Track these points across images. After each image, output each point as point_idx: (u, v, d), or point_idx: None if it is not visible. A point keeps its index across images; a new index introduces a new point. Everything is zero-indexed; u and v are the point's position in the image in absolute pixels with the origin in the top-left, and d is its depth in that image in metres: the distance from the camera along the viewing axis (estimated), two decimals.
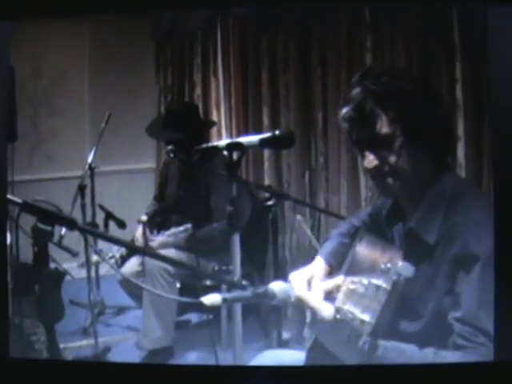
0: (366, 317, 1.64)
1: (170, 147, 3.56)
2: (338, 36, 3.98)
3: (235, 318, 2.50)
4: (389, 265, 1.67)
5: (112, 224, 4.13)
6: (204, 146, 2.80)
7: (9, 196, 1.92)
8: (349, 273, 1.83)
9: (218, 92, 4.80)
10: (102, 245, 3.74)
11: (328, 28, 4.04)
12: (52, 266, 3.45)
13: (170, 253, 3.69)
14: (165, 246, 3.81)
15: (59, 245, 3.61)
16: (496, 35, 2.06)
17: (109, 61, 5.15)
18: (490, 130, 2.96)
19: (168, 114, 4.18)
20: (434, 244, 1.77)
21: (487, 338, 1.67)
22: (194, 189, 3.89)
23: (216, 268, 2.57)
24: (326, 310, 1.73)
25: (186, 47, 4.99)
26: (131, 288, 3.89)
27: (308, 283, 1.93)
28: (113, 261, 3.92)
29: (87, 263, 3.99)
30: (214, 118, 4.77)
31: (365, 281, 1.68)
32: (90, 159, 4.22)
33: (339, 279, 1.82)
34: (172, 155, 3.57)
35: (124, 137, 5.00)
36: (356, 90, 1.82)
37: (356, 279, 1.71)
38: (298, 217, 4.10)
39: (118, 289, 3.95)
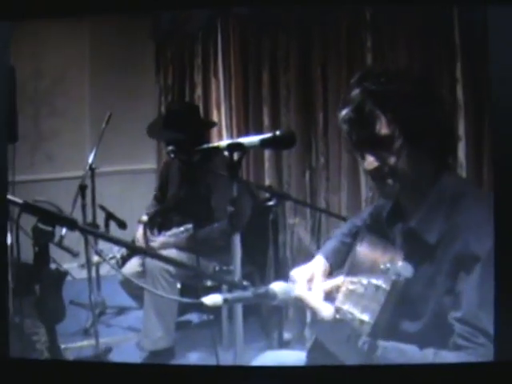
0: (366, 317, 1.65)
1: (170, 147, 3.56)
2: (339, 36, 3.98)
3: (236, 318, 2.50)
4: (388, 265, 1.68)
5: (113, 224, 4.13)
6: (205, 146, 2.80)
7: (10, 196, 1.92)
8: (349, 273, 1.83)
9: (218, 92, 4.81)
10: (102, 245, 3.75)
11: (328, 28, 4.03)
12: (53, 266, 3.45)
13: (171, 253, 3.69)
14: (166, 246, 3.81)
15: (60, 245, 3.61)
16: (496, 35, 2.06)
17: (109, 61, 5.15)
18: (491, 130, 2.96)
19: (168, 115, 4.18)
20: (434, 244, 1.78)
21: (487, 338, 1.67)
22: (194, 189, 3.89)
23: (217, 268, 2.58)
24: (326, 310, 1.74)
25: (186, 47, 4.99)
26: (132, 288, 3.89)
27: (308, 283, 1.93)
28: (113, 261, 3.92)
29: (88, 264, 3.99)
30: (215, 118, 4.77)
31: (364, 281, 1.69)
32: (90, 159, 4.22)
33: (339, 279, 1.82)
34: (172, 155, 3.58)
35: (124, 137, 5.00)
36: (355, 92, 1.82)
37: (355, 279, 1.72)
38: (294, 220, 4.11)
39: (119, 289, 3.96)
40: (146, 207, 4.25)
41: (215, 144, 2.66)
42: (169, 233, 3.92)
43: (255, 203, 3.73)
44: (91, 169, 4.22)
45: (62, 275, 3.56)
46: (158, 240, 3.91)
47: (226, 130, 4.74)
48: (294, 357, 2.17)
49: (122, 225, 4.11)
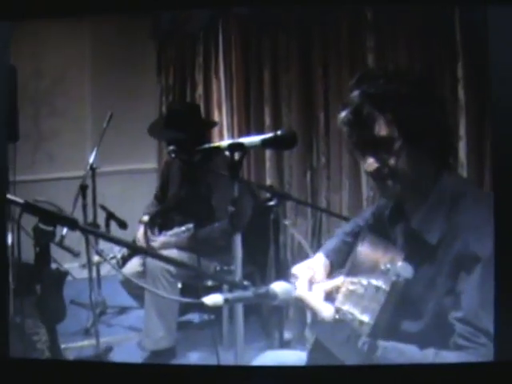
0: (365, 317, 1.65)
1: (171, 147, 3.56)
2: (340, 36, 3.98)
3: (237, 318, 2.50)
4: (388, 265, 1.68)
5: (113, 224, 4.13)
6: (206, 146, 2.80)
7: (10, 196, 1.92)
8: (350, 273, 1.83)
9: (219, 92, 4.80)
10: (102, 245, 3.75)
11: (329, 28, 4.04)
12: (53, 266, 3.46)
13: (172, 253, 3.69)
14: (166, 246, 3.81)
15: (60, 245, 3.61)
16: (496, 35, 2.06)
17: (110, 61, 5.15)
18: (491, 130, 2.96)
19: (169, 114, 4.18)
20: (435, 244, 1.78)
21: (488, 338, 1.67)
22: (195, 189, 3.89)
23: (218, 268, 2.58)
24: (326, 311, 1.74)
25: (187, 47, 4.99)
26: (132, 288, 3.89)
27: (309, 283, 1.93)
28: (114, 261, 3.92)
29: (88, 263, 3.99)
30: (216, 118, 4.77)
31: (364, 281, 1.69)
32: (91, 159, 4.22)
33: (339, 280, 1.82)
34: (173, 155, 3.58)
35: (125, 137, 4.99)
36: (354, 94, 1.82)
37: (355, 280, 1.72)
38: (287, 221, 4.11)
39: (120, 289, 3.95)
40: (146, 206, 4.25)
41: (216, 144, 2.66)
42: (169, 233, 3.91)
43: (256, 203, 3.73)
44: (92, 169, 4.22)
45: (62, 275, 3.56)
46: (158, 240, 3.91)
47: (227, 129, 4.74)
48: (294, 357, 2.18)
49: (122, 225, 4.11)
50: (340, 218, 3.62)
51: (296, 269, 2.03)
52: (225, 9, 4.49)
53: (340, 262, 2.06)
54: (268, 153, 4.42)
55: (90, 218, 4.20)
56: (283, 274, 2.92)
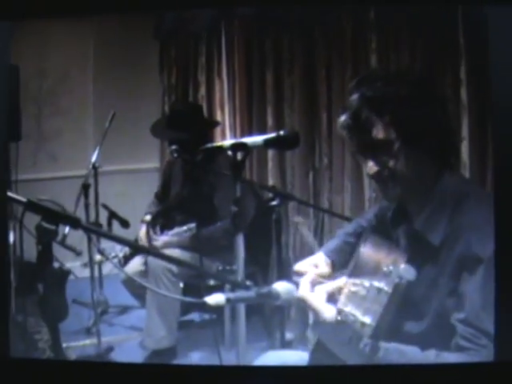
0: (367, 319, 1.65)
1: (173, 147, 3.56)
2: (343, 37, 3.98)
3: (239, 318, 2.51)
4: (391, 267, 1.67)
5: (115, 223, 4.13)
6: (208, 146, 2.80)
7: (13, 195, 1.92)
8: (353, 273, 1.83)
9: (222, 92, 4.80)
10: (104, 245, 3.74)
11: (333, 29, 4.04)
12: (56, 265, 3.46)
13: (174, 252, 3.69)
14: (168, 245, 3.81)
15: (62, 244, 3.61)
16: (496, 35, 2.06)
17: (113, 60, 5.15)
18: (492, 131, 2.96)
19: (172, 114, 4.18)
20: (438, 245, 1.77)
21: (490, 339, 1.67)
22: (197, 188, 3.89)
23: (220, 268, 2.57)
24: (328, 312, 1.74)
25: (190, 47, 4.99)
26: (134, 288, 3.90)
27: (311, 284, 1.93)
28: (116, 260, 3.92)
29: (90, 262, 3.99)
30: (218, 118, 4.77)
31: (366, 283, 1.69)
32: (93, 159, 4.21)
33: (341, 281, 1.82)
34: (176, 155, 3.58)
35: (128, 136, 4.99)
36: (353, 97, 1.82)
37: (358, 281, 1.72)
38: (298, 219, 4.11)
39: (122, 288, 3.95)
40: (147, 205, 4.25)
41: (219, 144, 2.67)
42: (172, 232, 3.91)
43: (258, 203, 3.73)
44: (94, 168, 4.22)
45: (65, 274, 3.56)
46: (160, 239, 3.91)
47: (230, 129, 4.74)
48: (296, 357, 2.17)
49: (124, 224, 4.11)
50: (342, 218, 3.62)
51: (298, 266, 2.03)
52: (228, 9, 4.50)
53: (341, 262, 2.07)
54: (270, 153, 4.42)
55: (93, 217, 4.20)
56: (285, 274, 2.92)
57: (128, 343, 3.96)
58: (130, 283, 3.87)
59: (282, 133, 2.42)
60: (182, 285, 3.74)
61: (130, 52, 5.11)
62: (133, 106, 5.00)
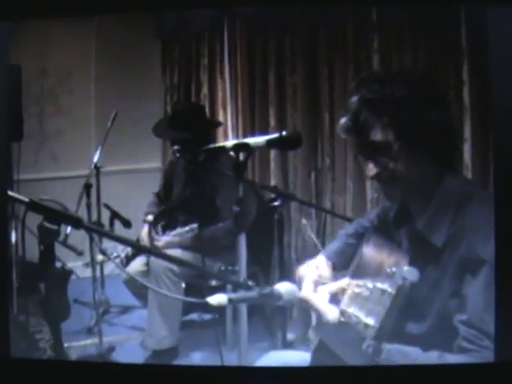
0: (371, 320, 1.65)
1: (176, 147, 3.57)
2: (345, 37, 3.98)
3: (241, 318, 2.51)
4: (394, 269, 1.67)
5: (117, 223, 4.13)
6: (211, 146, 2.80)
7: (15, 194, 1.92)
8: (355, 274, 1.83)
9: (224, 92, 4.80)
10: (106, 245, 3.74)
11: (335, 28, 4.03)
12: (58, 264, 3.46)
13: (176, 253, 3.68)
14: (170, 245, 3.81)
15: (64, 244, 3.61)
16: (496, 35, 2.06)
17: (115, 60, 5.15)
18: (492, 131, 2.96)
19: (174, 114, 4.18)
20: (441, 246, 1.77)
21: (493, 341, 1.67)
22: (199, 188, 3.89)
23: (222, 268, 2.56)
24: (331, 313, 1.74)
25: (192, 47, 4.99)
26: (136, 287, 3.90)
27: (314, 285, 1.93)
28: (118, 260, 3.92)
29: (92, 262, 3.99)
30: (221, 118, 4.76)
31: (370, 284, 1.69)
32: (95, 158, 4.22)
33: (344, 281, 1.82)
34: (178, 155, 3.58)
35: (130, 136, 5.00)
36: (353, 99, 1.83)
37: (361, 282, 1.72)
38: (304, 221, 4.10)
39: (123, 288, 3.95)
40: (147, 205, 4.25)
41: (221, 144, 2.67)
42: (174, 232, 3.91)
43: (260, 203, 3.73)
44: (96, 168, 4.22)
45: (67, 274, 3.57)
46: (162, 239, 3.91)
47: (232, 130, 4.74)
48: (298, 357, 2.17)
49: (126, 224, 4.11)
50: (344, 219, 3.62)
51: (301, 270, 2.02)
52: (230, 9, 4.50)
53: (343, 264, 2.06)
54: (272, 153, 4.41)
55: (94, 217, 4.20)
56: (287, 274, 2.93)
57: (129, 343, 3.96)
58: (131, 283, 3.87)
59: (284, 133, 2.42)
60: (183, 285, 3.74)
61: (132, 52, 5.11)
62: (135, 106, 5.00)
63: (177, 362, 3.62)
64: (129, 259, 3.95)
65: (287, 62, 4.36)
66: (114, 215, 4.13)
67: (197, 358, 3.71)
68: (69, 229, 3.31)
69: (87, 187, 4.09)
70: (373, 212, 2.26)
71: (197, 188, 3.92)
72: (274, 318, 3.53)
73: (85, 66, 5.21)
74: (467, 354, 1.67)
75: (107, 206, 4.17)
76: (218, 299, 1.78)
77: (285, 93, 4.40)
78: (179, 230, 3.87)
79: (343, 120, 1.85)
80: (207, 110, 4.63)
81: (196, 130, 3.84)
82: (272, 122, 4.43)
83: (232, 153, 2.47)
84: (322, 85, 4.17)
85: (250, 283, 1.98)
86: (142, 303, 3.99)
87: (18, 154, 3.91)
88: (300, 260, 4.07)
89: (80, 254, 3.91)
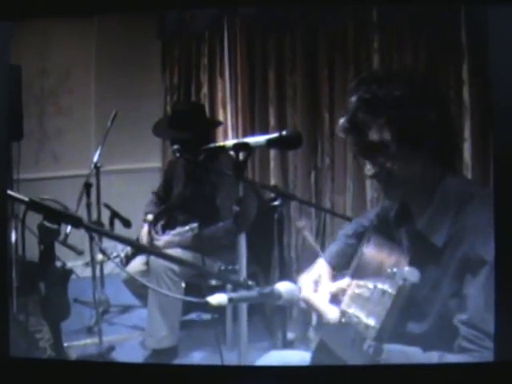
0: (371, 321, 1.65)
1: (175, 147, 3.56)
2: (345, 36, 3.98)
3: (241, 317, 2.50)
4: (395, 269, 1.67)
5: (117, 223, 4.13)
6: (211, 145, 2.80)
7: (15, 194, 1.92)
8: (355, 274, 1.83)
9: (224, 92, 4.80)
10: (106, 244, 3.74)
11: (335, 28, 4.03)
12: (58, 264, 3.46)
13: (176, 252, 3.69)
14: (170, 245, 3.81)
15: (64, 243, 3.61)
16: (496, 35, 2.06)
17: (115, 60, 5.15)
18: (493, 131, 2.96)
19: (174, 114, 4.18)
20: (441, 246, 1.77)
21: (493, 341, 1.67)
22: (199, 188, 3.89)
23: (222, 268, 2.56)
24: (332, 313, 1.74)
25: (192, 47, 4.99)
26: (136, 287, 3.90)
27: (314, 285, 1.93)
28: (117, 260, 3.92)
29: (92, 262, 4.00)
30: (221, 117, 4.76)
31: (370, 285, 1.69)
32: (95, 158, 4.21)
33: (345, 282, 1.82)
34: (178, 155, 3.58)
35: (130, 136, 5.00)
36: (352, 99, 1.83)
37: (362, 283, 1.72)
38: (299, 223, 4.10)
39: (123, 288, 3.95)
40: (146, 204, 4.25)
41: (221, 143, 2.66)
42: (173, 232, 3.91)
43: (260, 203, 3.73)
44: (96, 167, 4.22)
45: (67, 273, 3.57)
46: (162, 239, 3.91)
47: (232, 129, 4.74)
48: (298, 357, 2.17)
49: (126, 223, 4.11)
50: (344, 218, 3.62)
51: (302, 278, 2.02)
52: (230, 9, 4.50)
53: (344, 264, 2.06)
54: (272, 153, 4.41)
55: (94, 217, 4.20)
56: (287, 273, 2.93)
57: (129, 343, 3.96)
58: (131, 283, 3.88)
59: (284, 133, 2.42)
60: (183, 284, 3.74)
61: (132, 52, 5.11)
62: (135, 106, 5.01)
63: (177, 362, 3.62)
64: (129, 259, 3.95)
65: (287, 62, 4.36)
66: (114, 215, 4.13)
67: (197, 357, 3.71)
68: (69, 228, 3.31)
69: (87, 187, 4.09)
70: (372, 211, 2.26)
71: (197, 187, 3.92)
72: (274, 317, 3.53)
73: (85, 66, 5.21)
74: (468, 354, 1.67)
75: (107, 206, 4.17)
76: (218, 299, 1.78)
77: (285, 92, 4.40)
78: (179, 230, 3.87)
79: (342, 120, 1.85)
80: (207, 109, 4.63)
81: (196, 129, 3.84)
82: (272, 122, 4.43)
83: (232, 152, 2.46)
84: (321, 85, 4.17)
85: (249, 283, 1.97)
86: (141, 303, 3.99)
87: (18, 154, 3.92)
88: (300, 259, 4.08)
89: (80, 253, 3.91)
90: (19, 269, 3.29)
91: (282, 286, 1.84)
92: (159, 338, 3.69)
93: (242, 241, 2.50)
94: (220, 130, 4.68)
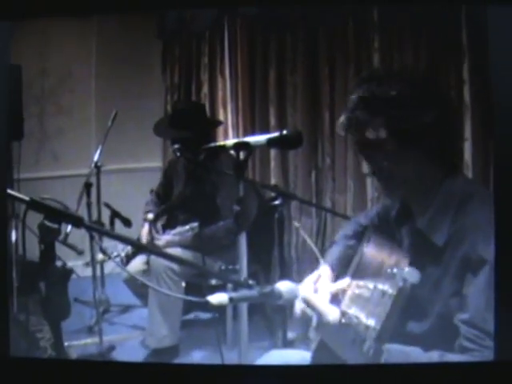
0: (371, 322, 1.64)
1: (176, 146, 3.56)
2: (346, 36, 3.98)
3: (241, 317, 2.51)
4: (395, 270, 1.67)
5: (118, 222, 4.13)
6: (211, 145, 2.80)
7: (16, 193, 1.92)
8: (355, 274, 1.83)
9: (224, 91, 4.80)
10: (106, 244, 3.74)
11: (336, 28, 4.03)
12: (58, 263, 3.46)
13: (176, 251, 3.69)
14: (171, 244, 3.80)
15: (64, 243, 3.61)
16: (496, 35, 2.06)
17: (115, 59, 5.15)
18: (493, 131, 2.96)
19: (175, 113, 4.17)
20: (442, 246, 1.77)
21: (493, 340, 1.66)
22: (200, 187, 3.89)
23: (222, 267, 2.56)
24: (332, 314, 1.73)
25: (193, 46, 4.99)
26: (136, 286, 3.90)
27: (314, 285, 1.93)
28: (118, 259, 3.91)
29: (92, 261, 4.00)
30: (221, 117, 4.77)
31: (370, 285, 1.68)
32: (95, 157, 4.21)
33: (345, 282, 1.82)
34: (178, 154, 3.58)
35: (130, 135, 5.00)
36: (352, 98, 1.83)
37: (362, 283, 1.71)
38: (296, 224, 4.10)
39: (123, 287, 3.95)
40: (145, 203, 4.25)
41: (222, 143, 2.67)
42: (174, 231, 3.91)
43: (261, 202, 3.72)
44: (96, 167, 4.22)
45: (67, 273, 3.57)
46: (163, 238, 3.91)
47: (232, 129, 4.74)
48: (298, 356, 2.17)
49: (127, 223, 4.11)
50: (344, 218, 3.62)
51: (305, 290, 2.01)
52: (231, 8, 4.50)
53: (346, 267, 2.06)
54: (273, 152, 4.42)
55: (95, 216, 4.20)
56: (287, 273, 2.93)
57: (130, 342, 3.96)
58: (131, 282, 3.88)
59: (285, 132, 2.42)
60: (184, 284, 3.74)
61: (133, 51, 5.11)
62: (135, 105, 5.01)
63: (177, 361, 3.62)
64: (129, 258, 3.95)
65: (288, 62, 4.36)
66: (115, 214, 4.13)
67: (197, 356, 3.71)
68: (69, 228, 3.32)
69: (87, 186, 4.09)
70: (372, 210, 2.26)
71: (197, 187, 3.92)
72: (275, 316, 3.53)
73: (85, 66, 5.21)
74: (468, 354, 1.67)
75: (107, 205, 4.17)
76: (218, 298, 1.78)
77: (285, 92, 4.41)
78: (179, 229, 3.87)
79: (341, 118, 1.86)
80: (207, 108, 4.63)
81: (196, 128, 3.83)
82: (272, 121, 4.44)
83: (232, 152, 2.46)
84: (322, 84, 4.18)
85: (250, 282, 1.97)
86: (142, 302, 3.99)
87: (19, 153, 3.92)
88: (300, 259, 4.08)
89: (80, 253, 3.92)
90: (19, 268, 3.29)
91: (283, 286, 1.84)
92: (160, 338, 3.69)
93: (243, 240, 2.50)
94: (220, 129, 4.69)
